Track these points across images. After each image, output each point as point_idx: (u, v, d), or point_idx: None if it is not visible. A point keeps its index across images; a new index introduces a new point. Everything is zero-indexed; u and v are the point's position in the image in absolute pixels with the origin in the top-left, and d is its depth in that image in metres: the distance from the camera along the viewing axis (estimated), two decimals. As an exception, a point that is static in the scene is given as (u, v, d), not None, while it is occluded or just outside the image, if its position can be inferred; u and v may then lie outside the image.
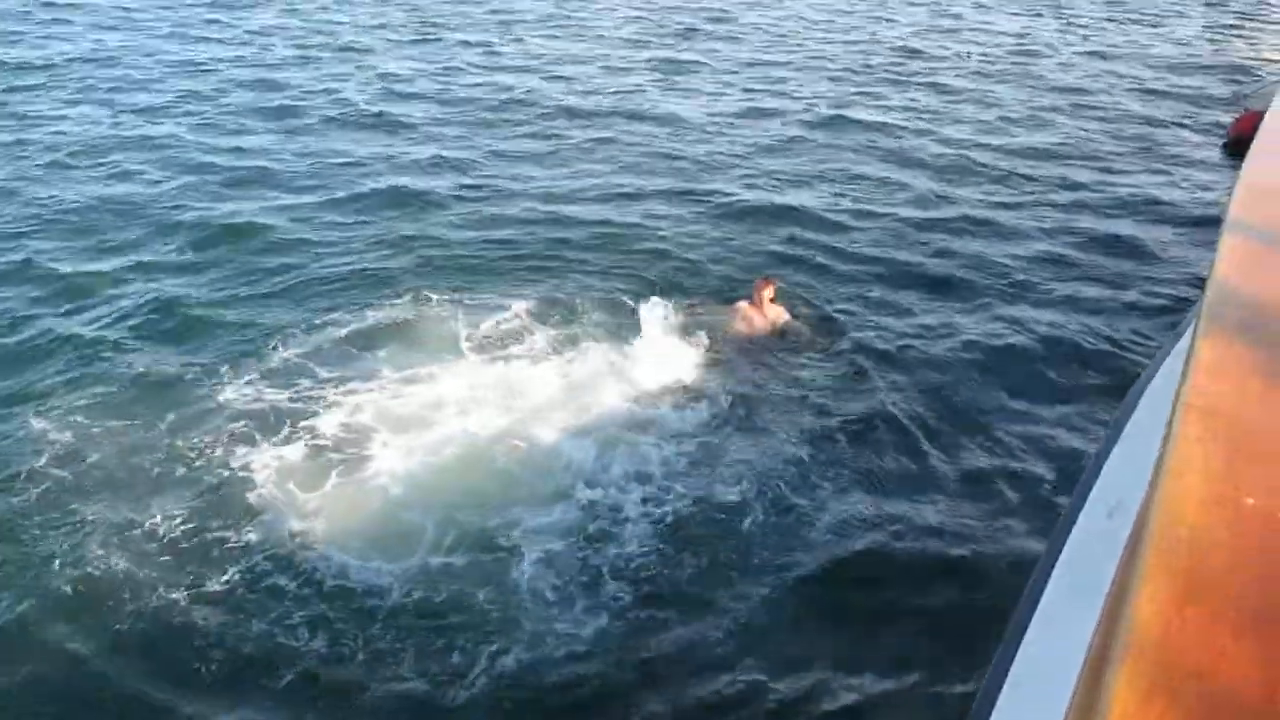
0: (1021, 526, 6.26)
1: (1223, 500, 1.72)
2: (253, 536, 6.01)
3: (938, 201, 11.72)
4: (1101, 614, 1.63)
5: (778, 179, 12.51)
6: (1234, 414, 1.97)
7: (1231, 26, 23.34)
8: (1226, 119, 14.67)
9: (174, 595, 5.50)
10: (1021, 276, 9.84)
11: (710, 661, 5.25)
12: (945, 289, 9.60)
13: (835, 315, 9.06)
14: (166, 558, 5.81)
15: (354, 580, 5.67)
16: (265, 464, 6.67)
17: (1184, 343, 2.73)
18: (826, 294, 9.49)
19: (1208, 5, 25.85)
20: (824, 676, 5.18)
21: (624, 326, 8.58)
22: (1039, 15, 23.21)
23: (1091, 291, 9.54)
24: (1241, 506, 1.71)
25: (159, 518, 6.10)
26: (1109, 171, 12.96)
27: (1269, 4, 26.47)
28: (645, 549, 5.98)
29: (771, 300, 8.84)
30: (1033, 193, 12.17)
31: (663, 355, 8.06)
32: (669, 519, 6.24)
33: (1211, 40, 21.73)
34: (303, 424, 7.11)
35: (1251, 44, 21.45)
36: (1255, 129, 4.29)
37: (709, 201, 11.71)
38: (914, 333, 8.73)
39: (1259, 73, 18.35)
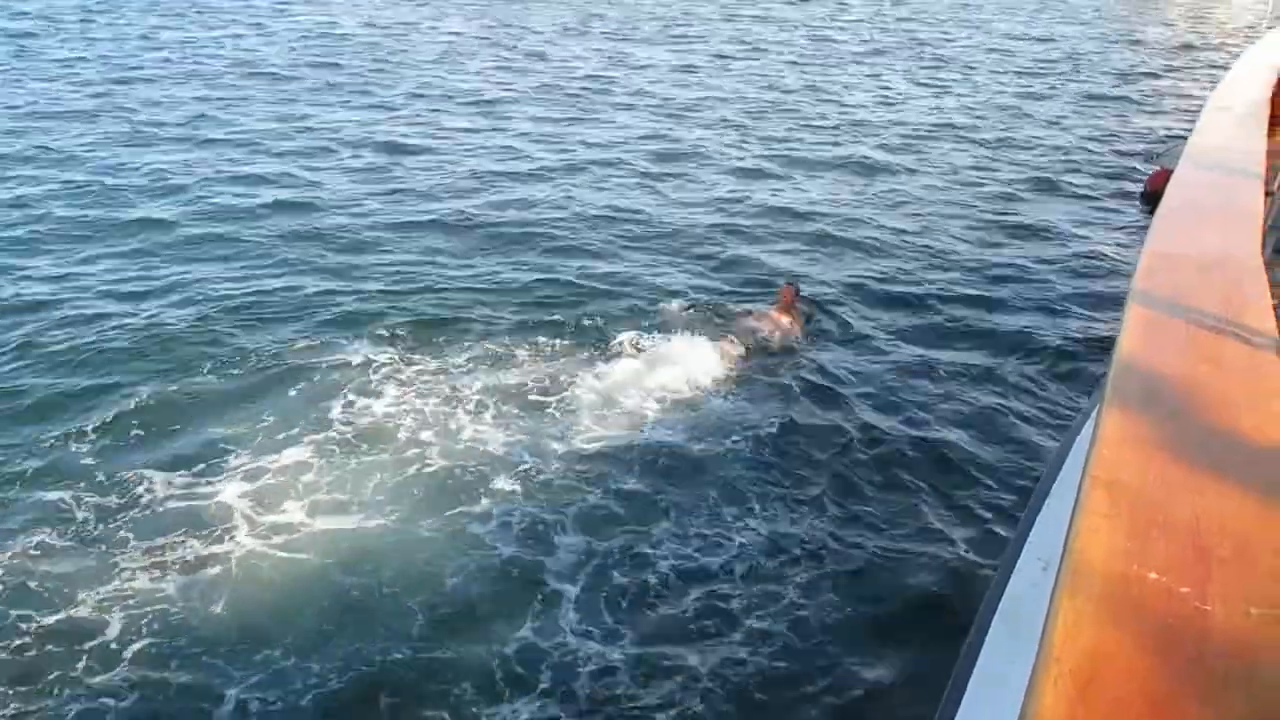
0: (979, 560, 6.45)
1: (1127, 577, 1.77)
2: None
3: (902, 250, 12.22)
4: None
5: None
6: (1137, 487, 2.04)
7: (1148, 83, 24.43)
8: (1144, 171, 15.34)
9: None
10: (982, 322, 10.24)
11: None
12: (925, 326, 10.06)
13: (846, 330, 9.62)
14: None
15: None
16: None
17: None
18: (840, 309, 10.12)
19: (1122, 73, 26.99)
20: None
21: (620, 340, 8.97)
22: (947, 91, 24.04)
23: (1032, 345, 9.84)
24: (1145, 582, 1.76)
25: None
26: (1039, 226, 13.44)
27: (1188, 63, 27.76)
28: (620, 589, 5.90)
29: (794, 305, 9.40)
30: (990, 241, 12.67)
31: (678, 358, 8.51)
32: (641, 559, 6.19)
33: (1130, 97, 22.69)
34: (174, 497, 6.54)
35: (1164, 103, 22.44)
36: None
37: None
38: (894, 363, 9.15)
39: (1172, 129, 19.18)
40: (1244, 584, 1.76)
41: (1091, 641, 1.59)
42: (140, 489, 6.67)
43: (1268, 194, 4.86)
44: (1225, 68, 13.08)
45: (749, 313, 9.52)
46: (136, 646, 5.31)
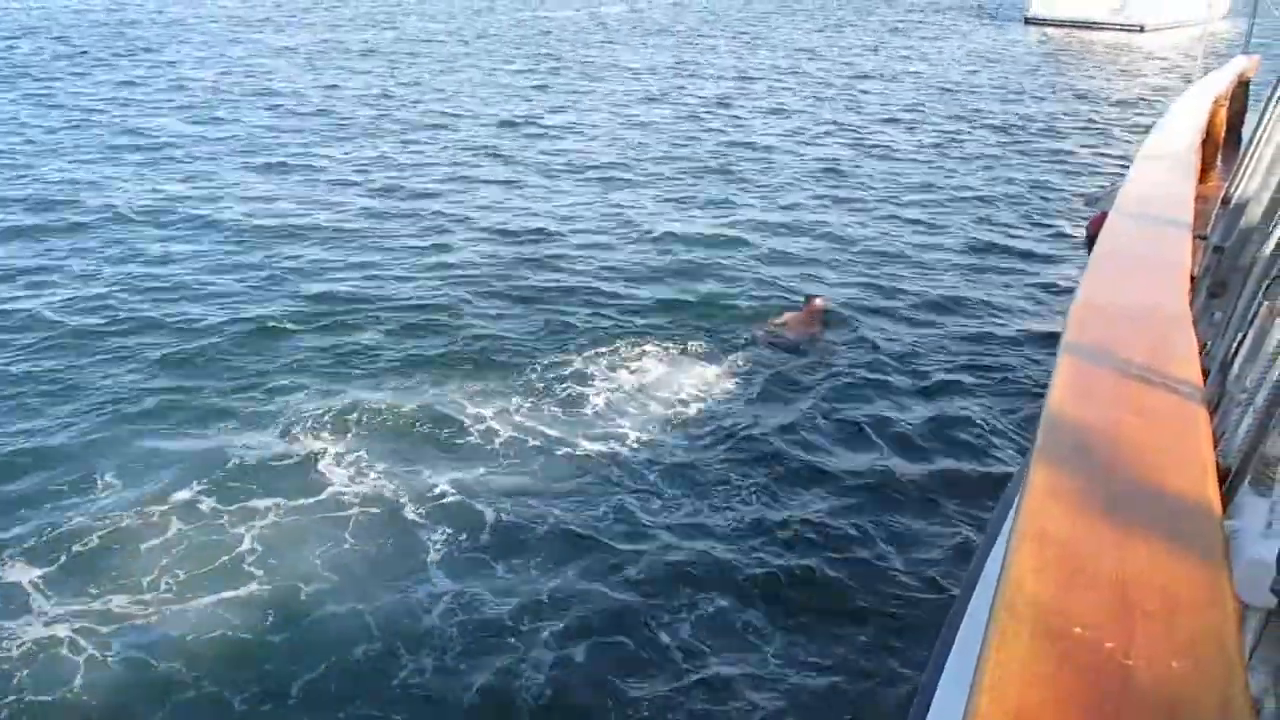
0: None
1: (1052, 632, 1.79)
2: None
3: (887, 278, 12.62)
4: None
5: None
6: (1064, 540, 2.07)
7: (1083, 132, 25.17)
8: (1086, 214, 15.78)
9: None
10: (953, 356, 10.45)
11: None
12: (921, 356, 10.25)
13: (863, 340, 9.94)
14: None
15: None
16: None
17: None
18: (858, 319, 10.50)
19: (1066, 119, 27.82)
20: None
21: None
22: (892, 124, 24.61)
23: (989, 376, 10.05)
24: (1070, 637, 1.78)
25: None
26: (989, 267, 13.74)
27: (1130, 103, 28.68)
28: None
29: (819, 315, 9.96)
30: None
31: (680, 370, 8.82)
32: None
33: (1066, 144, 23.36)
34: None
35: (1100, 150, 23.14)
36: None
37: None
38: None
39: (1110, 174, 19.76)
40: (1168, 638, 1.78)
41: (1016, 698, 1.60)
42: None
43: (1197, 237, 5.00)
44: (1155, 116, 13.56)
45: (774, 322, 9.93)
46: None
